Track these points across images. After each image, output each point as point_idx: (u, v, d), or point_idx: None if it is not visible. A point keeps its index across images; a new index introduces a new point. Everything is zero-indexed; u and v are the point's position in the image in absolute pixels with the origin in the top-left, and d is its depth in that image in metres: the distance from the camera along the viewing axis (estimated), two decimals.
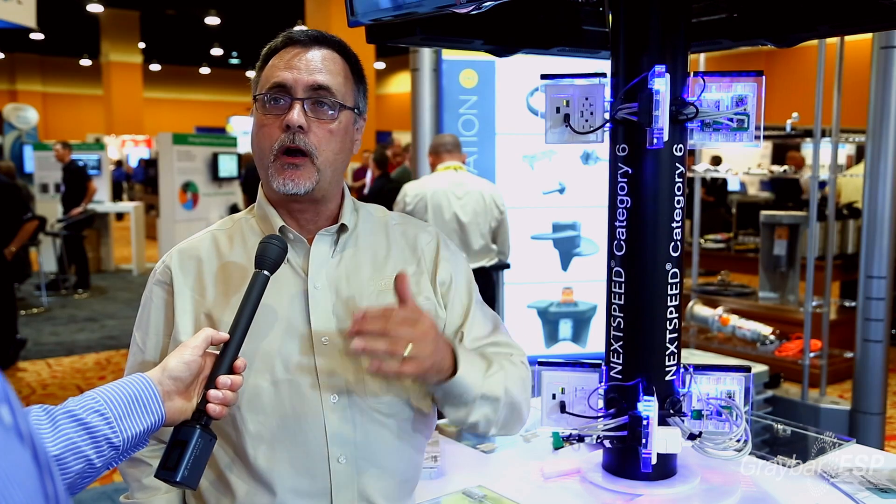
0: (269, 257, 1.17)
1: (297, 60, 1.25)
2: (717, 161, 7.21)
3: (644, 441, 1.50)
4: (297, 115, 1.21)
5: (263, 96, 1.25)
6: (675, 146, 1.54)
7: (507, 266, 4.24)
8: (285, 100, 1.23)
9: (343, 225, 1.31)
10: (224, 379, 1.08)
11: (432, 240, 1.39)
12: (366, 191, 9.67)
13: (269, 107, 1.24)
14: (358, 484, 1.25)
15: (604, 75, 1.61)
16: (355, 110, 1.30)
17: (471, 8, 1.29)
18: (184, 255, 1.30)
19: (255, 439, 1.22)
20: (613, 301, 1.61)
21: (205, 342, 1.10)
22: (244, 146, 10.89)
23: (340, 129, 1.26)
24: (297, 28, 1.30)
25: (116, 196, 13.64)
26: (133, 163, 20.66)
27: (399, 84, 23.74)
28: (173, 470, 1.02)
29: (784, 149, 9.43)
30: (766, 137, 1.71)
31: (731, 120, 1.54)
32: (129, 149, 21.54)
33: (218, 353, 1.11)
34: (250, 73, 1.37)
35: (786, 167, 5.42)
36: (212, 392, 1.06)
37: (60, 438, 0.94)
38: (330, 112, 1.25)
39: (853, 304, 4.14)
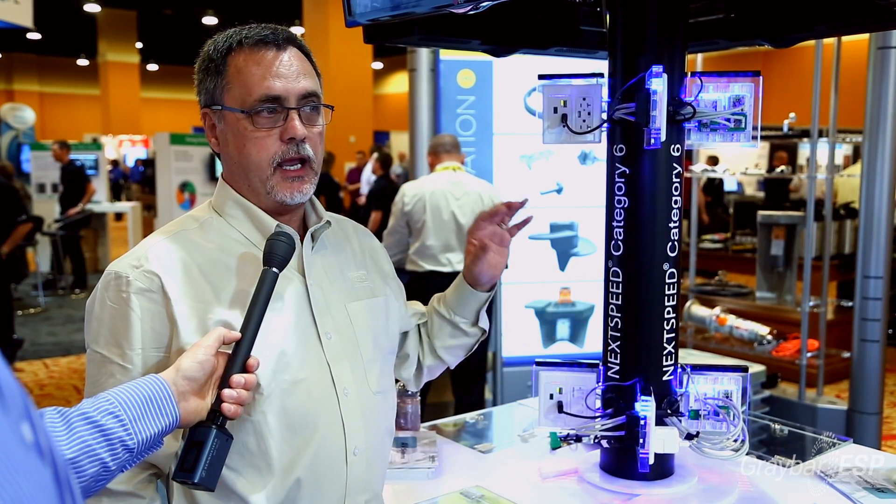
0: (278, 254, 1.16)
1: (280, 67, 1.20)
2: (714, 161, 7.22)
3: (641, 441, 1.50)
4: (300, 126, 1.20)
5: (252, 111, 1.19)
6: (673, 146, 1.54)
7: (505, 266, 4.23)
8: (279, 109, 1.20)
9: (328, 221, 1.33)
10: (238, 378, 1.07)
11: (367, 233, 1.48)
12: (362, 191, 9.66)
13: (264, 118, 1.20)
14: (367, 475, 1.26)
15: (601, 75, 1.61)
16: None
17: (468, 8, 1.29)
18: (163, 258, 1.19)
19: (276, 440, 1.19)
20: (611, 301, 1.61)
21: (217, 341, 1.09)
22: None
23: (324, 129, 1.28)
24: (259, 26, 1.24)
25: (115, 196, 13.61)
26: (130, 163, 20.64)
27: (397, 84, 23.73)
28: (191, 471, 1.01)
29: (780, 149, 9.45)
30: (763, 138, 1.71)
31: (728, 120, 1.54)
32: (126, 149, 21.51)
33: (230, 352, 1.10)
34: None
35: (782, 167, 5.42)
36: (226, 391, 1.06)
37: (75, 441, 0.93)
38: (319, 116, 1.25)
39: (850, 303, 4.15)
